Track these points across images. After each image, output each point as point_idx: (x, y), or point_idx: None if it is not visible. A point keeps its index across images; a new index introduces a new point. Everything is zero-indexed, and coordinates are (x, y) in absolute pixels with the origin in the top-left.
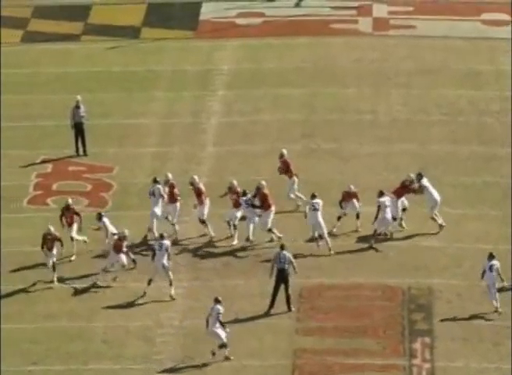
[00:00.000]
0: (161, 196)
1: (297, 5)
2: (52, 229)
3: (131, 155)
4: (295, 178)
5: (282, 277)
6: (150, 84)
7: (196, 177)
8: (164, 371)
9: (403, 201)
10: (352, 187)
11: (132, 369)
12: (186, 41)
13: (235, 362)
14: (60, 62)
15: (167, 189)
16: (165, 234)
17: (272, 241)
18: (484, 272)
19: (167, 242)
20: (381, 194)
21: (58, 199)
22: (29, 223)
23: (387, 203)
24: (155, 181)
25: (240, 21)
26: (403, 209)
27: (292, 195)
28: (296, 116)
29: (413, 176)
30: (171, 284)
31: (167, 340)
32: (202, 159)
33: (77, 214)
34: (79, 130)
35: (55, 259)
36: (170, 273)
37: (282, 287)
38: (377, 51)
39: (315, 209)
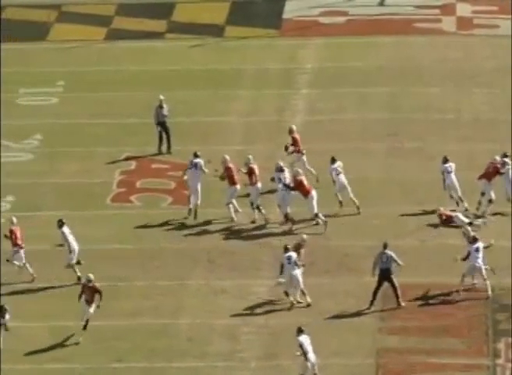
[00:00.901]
0: (203, 170)
1: (381, 3)
2: (92, 277)
3: (214, 152)
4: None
5: (385, 277)
6: (233, 82)
7: (251, 157)
8: (247, 369)
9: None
10: None
11: (216, 367)
12: (270, 39)
13: (319, 360)
14: (143, 60)
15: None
16: (292, 254)
17: (317, 224)
18: None
19: (294, 255)
20: (445, 160)
21: (142, 197)
22: (112, 220)
23: (449, 169)
24: (196, 156)
25: (323, 20)
26: (482, 194)
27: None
28: (380, 115)
29: (498, 158)
30: (304, 293)
31: (251, 338)
32: (285, 157)
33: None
34: (163, 128)
35: (90, 316)
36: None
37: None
38: (460, 50)
39: (339, 173)
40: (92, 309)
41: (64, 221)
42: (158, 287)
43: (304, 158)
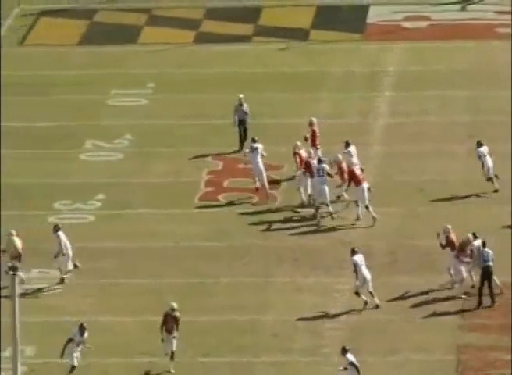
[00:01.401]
0: (262, 155)
1: (463, 9)
2: (176, 306)
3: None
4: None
5: (487, 274)
6: (318, 85)
7: (340, 156)
8: (330, 364)
9: None
10: None
11: (300, 362)
12: (354, 43)
13: (400, 355)
14: (231, 63)
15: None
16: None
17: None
18: None
19: (361, 257)
20: (480, 144)
21: (229, 196)
22: (200, 218)
23: (485, 152)
24: (254, 141)
25: (406, 24)
26: None
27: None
28: (462, 118)
29: None
30: (372, 294)
31: (333, 334)
32: (368, 159)
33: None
34: (242, 126)
35: (174, 348)
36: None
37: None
38: None
39: (352, 156)
40: (175, 340)
41: (60, 226)
42: (244, 284)
43: (319, 152)
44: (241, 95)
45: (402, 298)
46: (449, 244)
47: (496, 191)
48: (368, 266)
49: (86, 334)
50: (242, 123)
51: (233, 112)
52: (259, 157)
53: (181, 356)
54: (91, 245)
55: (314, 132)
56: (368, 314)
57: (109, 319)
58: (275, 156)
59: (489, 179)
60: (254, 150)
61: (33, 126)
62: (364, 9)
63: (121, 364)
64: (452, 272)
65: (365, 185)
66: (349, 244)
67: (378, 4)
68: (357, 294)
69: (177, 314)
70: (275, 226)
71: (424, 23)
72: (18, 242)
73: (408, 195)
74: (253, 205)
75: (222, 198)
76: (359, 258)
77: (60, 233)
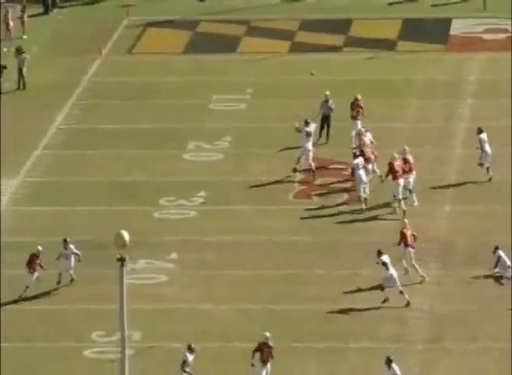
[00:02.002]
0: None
1: None
2: (269, 335)
3: (384, 155)
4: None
5: None
6: (404, 92)
7: (407, 148)
8: (414, 351)
9: None
10: None
11: (386, 349)
12: (438, 53)
13: (480, 343)
14: (323, 71)
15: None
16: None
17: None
18: None
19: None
20: (480, 131)
21: (321, 194)
22: (294, 215)
23: (485, 139)
24: (307, 123)
25: (486, 36)
26: None
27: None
28: None
29: None
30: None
31: (417, 322)
32: (450, 160)
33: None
34: (326, 121)
35: None
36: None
37: None
38: None
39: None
40: (269, 369)
41: (68, 240)
42: (334, 276)
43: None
44: (328, 92)
45: (484, 289)
46: (402, 237)
47: (490, 179)
48: (448, 260)
49: (193, 355)
50: (326, 118)
51: (319, 107)
52: (311, 139)
53: (275, 342)
54: (194, 238)
55: (358, 106)
56: (450, 304)
57: (210, 308)
58: None
59: (481, 164)
60: (307, 133)
61: (140, 128)
62: (447, 22)
63: (220, 348)
64: (406, 265)
65: (401, 181)
66: (431, 239)
67: (461, 17)
68: (382, 288)
69: (271, 343)
70: (362, 222)
71: (503, 35)
72: (125, 235)
73: (488, 194)
74: (343, 203)
75: (314, 196)
76: (386, 257)
77: (71, 246)
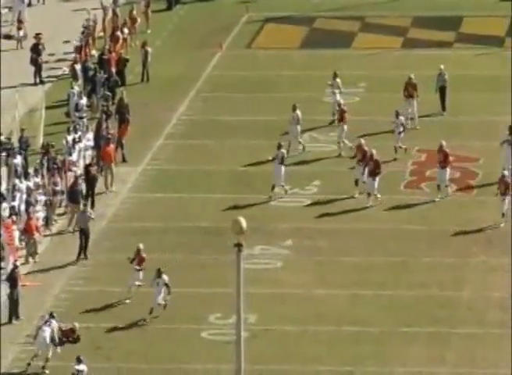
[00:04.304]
0: None
1: None
2: None
3: (493, 148)
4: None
5: None
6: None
7: (443, 142)
8: None
9: None
10: None
11: (491, 334)
12: None
13: None
14: (434, 66)
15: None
16: None
17: None
18: None
19: None
20: None
21: (431, 184)
22: (404, 204)
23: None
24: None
25: None
26: None
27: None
28: None
29: None
30: None
31: None
32: None
33: None
34: (442, 92)
35: None
36: None
37: None
38: None
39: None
40: None
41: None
42: (442, 263)
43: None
44: (442, 66)
45: None
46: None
47: None
48: None
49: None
50: (442, 90)
51: (436, 80)
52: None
53: (385, 326)
54: (308, 226)
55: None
56: None
57: (323, 292)
58: (471, 150)
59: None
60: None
61: (257, 119)
62: None
63: (332, 332)
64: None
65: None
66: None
67: None
68: None
69: None
70: (472, 212)
71: None
72: (243, 222)
73: None
74: (452, 192)
75: (424, 186)
76: None
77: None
